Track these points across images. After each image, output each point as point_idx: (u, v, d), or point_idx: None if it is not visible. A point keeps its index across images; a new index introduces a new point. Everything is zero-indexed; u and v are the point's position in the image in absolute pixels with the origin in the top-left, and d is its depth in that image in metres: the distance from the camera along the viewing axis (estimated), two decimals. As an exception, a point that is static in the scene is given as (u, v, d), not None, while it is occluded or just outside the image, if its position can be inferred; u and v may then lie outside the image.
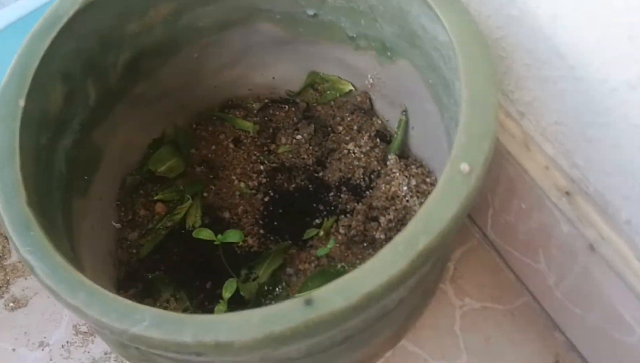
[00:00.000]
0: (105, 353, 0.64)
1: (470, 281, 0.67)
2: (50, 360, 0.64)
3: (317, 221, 0.61)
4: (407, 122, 0.61)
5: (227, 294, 0.51)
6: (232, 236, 0.52)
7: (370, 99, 0.64)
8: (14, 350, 0.65)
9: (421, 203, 0.57)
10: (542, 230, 0.58)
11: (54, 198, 0.50)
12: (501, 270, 0.68)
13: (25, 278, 0.69)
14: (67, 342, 0.65)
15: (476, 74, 0.43)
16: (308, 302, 0.35)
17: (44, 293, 0.68)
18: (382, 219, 0.58)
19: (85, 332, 0.66)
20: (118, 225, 0.61)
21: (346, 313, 0.35)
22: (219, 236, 0.53)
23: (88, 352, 0.64)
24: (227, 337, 0.34)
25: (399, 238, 0.37)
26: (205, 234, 0.53)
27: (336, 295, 0.35)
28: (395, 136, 0.62)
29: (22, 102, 0.44)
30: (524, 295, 0.67)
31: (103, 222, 0.59)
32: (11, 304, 0.68)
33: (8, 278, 0.69)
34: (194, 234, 0.53)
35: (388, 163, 0.60)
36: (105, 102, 0.56)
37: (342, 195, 0.62)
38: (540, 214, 0.57)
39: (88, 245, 0.55)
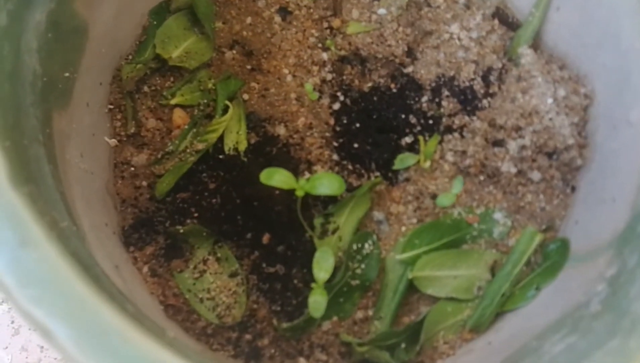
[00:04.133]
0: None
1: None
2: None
3: (407, 139, 0.43)
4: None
5: (322, 274, 0.33)
6: (328, 183, 0.32)
7: (492, -42, 0.43)
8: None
9: (571, 124, 0.40)
10: None
11: (29, 123, 0.28)
12: None
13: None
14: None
15: None
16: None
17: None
18: (512, 145, 0.40)
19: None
20: (114, 141, 0.40)
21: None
22: (301, 181, 0.33)
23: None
24: None
25: None
26: (280, 180, 0.32)
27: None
28: (529, 18, 0.42)
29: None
30: None
31: (94, 143, 0.37)
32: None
33: None
34: (262, 179, 0.33)
35: (522, 59, 0.41)
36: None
37: (442, 102, 0.43)
38: None
39: (78, 182, 0.34)
